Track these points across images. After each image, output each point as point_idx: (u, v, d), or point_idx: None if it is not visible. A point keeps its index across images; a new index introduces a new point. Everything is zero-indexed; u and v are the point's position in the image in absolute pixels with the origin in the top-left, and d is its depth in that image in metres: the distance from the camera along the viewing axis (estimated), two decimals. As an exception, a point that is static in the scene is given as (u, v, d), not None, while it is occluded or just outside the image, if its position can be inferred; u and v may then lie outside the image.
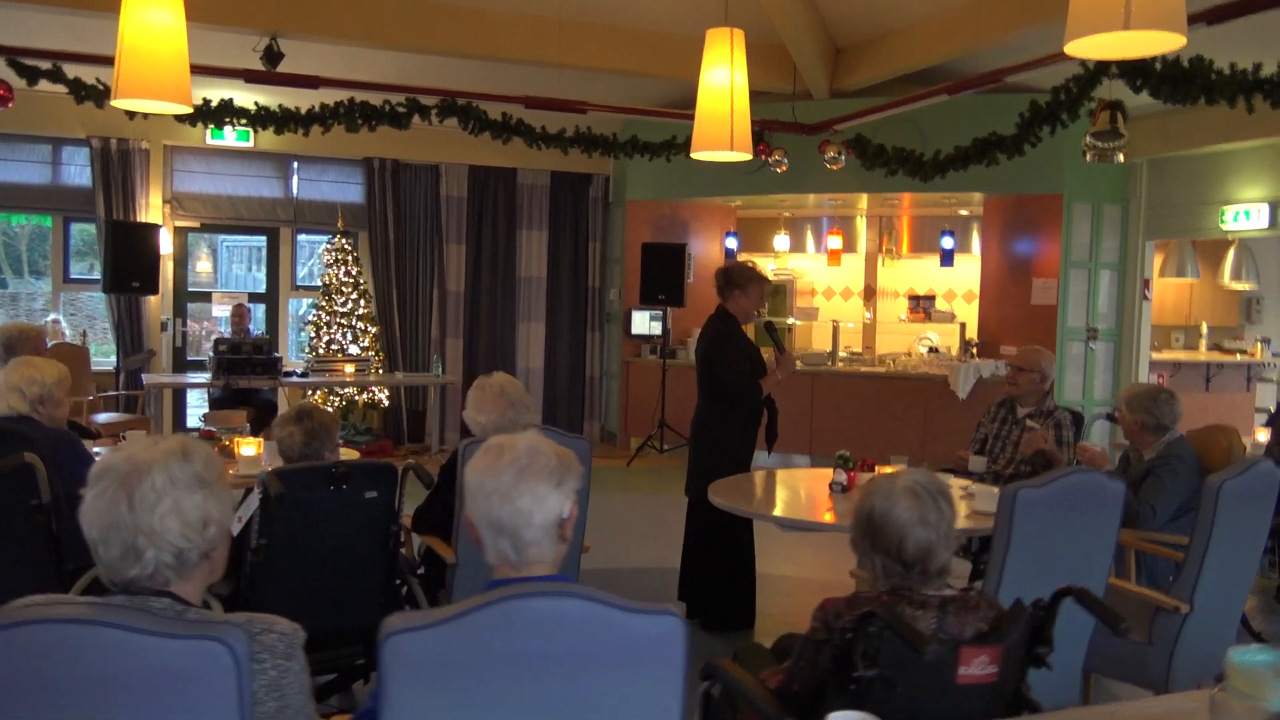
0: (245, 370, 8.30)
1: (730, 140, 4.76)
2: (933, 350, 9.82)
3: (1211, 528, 3.28)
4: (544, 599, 1.66)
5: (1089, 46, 3.25)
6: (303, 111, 7.64)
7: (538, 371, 10.56)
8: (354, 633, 3.36)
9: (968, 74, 7.97)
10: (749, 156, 5.03)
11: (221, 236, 10.20)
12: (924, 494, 2.09)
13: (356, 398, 9.62)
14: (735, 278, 4.97)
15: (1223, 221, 8.22)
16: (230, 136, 9.25)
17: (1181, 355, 10.52)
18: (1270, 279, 11.01)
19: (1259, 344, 10.49)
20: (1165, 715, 2.05)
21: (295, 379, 8.63)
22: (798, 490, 4.57)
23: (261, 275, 10.26)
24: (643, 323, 10.28)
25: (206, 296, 9.92)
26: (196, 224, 9.65)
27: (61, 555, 3.42)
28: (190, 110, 5.53)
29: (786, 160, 8.61)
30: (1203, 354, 10.62)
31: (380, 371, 9.53)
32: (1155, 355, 9.65)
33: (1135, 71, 5.70)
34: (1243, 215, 8.04)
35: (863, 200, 10.19)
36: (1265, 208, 7.86)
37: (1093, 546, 3.15)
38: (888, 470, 4.30)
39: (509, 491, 1.78)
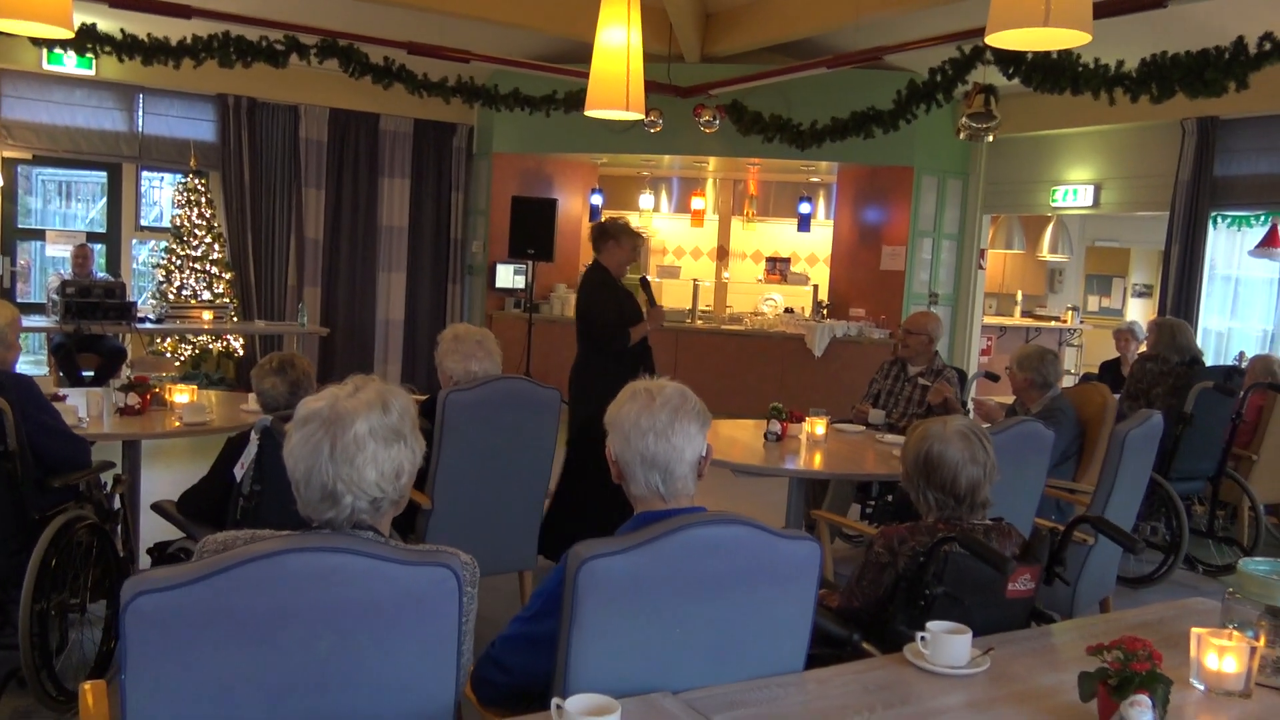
0: (96, 314, 7.80)
1: (626, 100, 4.94)
2: (788, 310, 10.34)
3: (1117, 470, 3.77)
4: (718, 526, 1.84)
5: (1010, 39, 3.62)
6: (173, 43, 7.23)
7: (398, 323, 10.40)
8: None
9: (833, 49, 8.40)
10: (643, 116, 5.28)
11: (56, 170, 9.47)
12: (973, 437, 2.39)
13: (210, 346, 9.22)
14: (610, 230, 5.36)
15: (1053, 199, 9.04)
16: (70, 63, 8.61)
17: (1006, 321, 11.53)
18: (1076, 253, 12.18)
19: (1069, 311, 11.62)
20: (1156, 621, 2.44)
21: (149, 325, 8.19)
22: (732, 439, 4.83)
23: (100, 214, 9.61)
24: (507, 276, 10.30)
25: (39, 234, 9.22)
26: (28, 156, 8.94)
27: (25, 504, 3.28)
28: (72, 34, 5.18)
29: (661, 121, 8.83)
30: (1019, 319, 11.67)
31: (236, 319, 9.17)
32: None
33: (1009, 59, 6.22)
34: (1070, 194, 8.87)
35: (711, 163, 10.48)
36: (1090, 188, 8.71)
37: (1031, 486, 3.58)
38: (816, 421, 4.67)
39: (664, 430, 1.94)
